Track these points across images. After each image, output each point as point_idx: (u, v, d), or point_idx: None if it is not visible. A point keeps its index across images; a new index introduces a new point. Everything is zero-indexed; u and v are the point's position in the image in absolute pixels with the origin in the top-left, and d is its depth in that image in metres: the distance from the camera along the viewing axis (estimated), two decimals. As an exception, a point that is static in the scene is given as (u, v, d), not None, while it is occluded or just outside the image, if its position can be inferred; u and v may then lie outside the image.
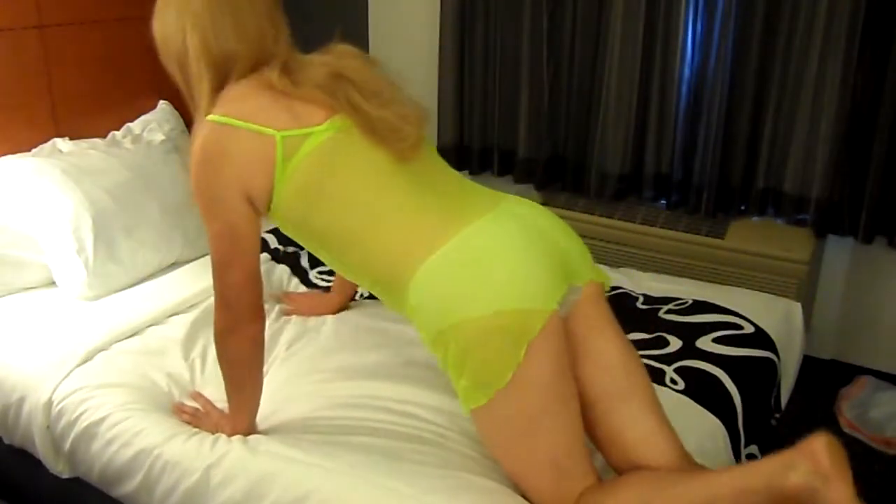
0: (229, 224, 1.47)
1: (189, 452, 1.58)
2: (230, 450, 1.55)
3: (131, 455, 1.64)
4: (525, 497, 1.42)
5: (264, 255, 2.31)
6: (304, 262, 2.34)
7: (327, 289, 2.19)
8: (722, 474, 1.33)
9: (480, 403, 1.35)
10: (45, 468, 1.83)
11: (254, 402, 1.62)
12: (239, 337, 1.53)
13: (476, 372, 1.34)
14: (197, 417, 1.68)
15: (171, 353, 1.91)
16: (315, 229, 1.49)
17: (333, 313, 2.05)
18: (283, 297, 2.13)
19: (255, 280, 1.52)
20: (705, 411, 1.68)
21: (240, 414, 1.61)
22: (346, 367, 1.80)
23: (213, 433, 1.62)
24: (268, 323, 1.62)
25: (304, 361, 1.85)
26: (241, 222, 1.47)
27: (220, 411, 1.68)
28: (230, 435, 1.60)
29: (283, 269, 2.30)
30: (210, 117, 1.46)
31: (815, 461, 1.21)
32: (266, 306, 1.58)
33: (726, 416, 1.70)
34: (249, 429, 1.62)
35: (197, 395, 1.76)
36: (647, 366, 1.77)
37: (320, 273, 2.30)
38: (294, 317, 2.06)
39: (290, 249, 2.38)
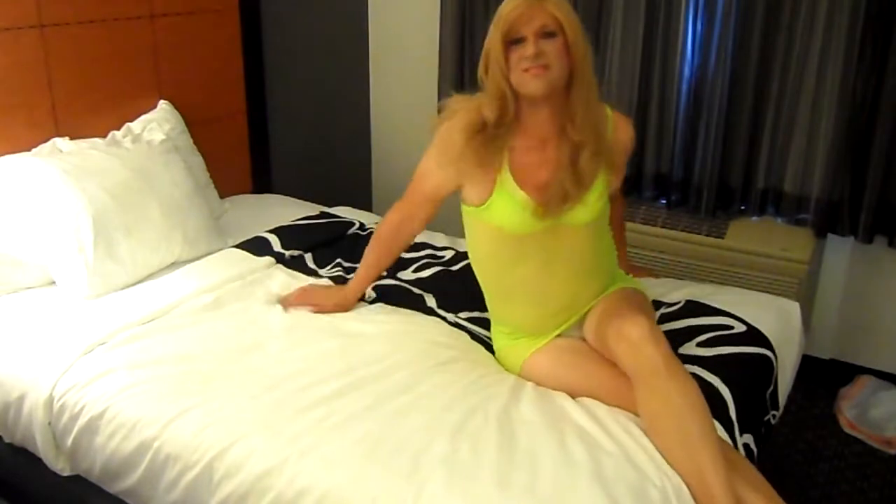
0: None
1: (189, 445, 1.59)
2: (233, 442, 1.56)
3: (133, 448, 1.65)
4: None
5: (269, 260, 2.31)
6: (311, 264, 2.33)
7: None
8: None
9: None
10: (45, 466, 1.83)
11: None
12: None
13: None
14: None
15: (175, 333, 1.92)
16: None
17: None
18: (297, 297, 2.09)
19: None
20: None
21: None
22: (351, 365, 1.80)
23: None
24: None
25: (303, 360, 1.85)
26: None
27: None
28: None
29: (294, 273, 2.27)
30: None
31: None
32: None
33: (715, 407, 1.69)
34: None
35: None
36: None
37: (330, 273, 2.29)
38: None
39: (296, 253, 2.36)
